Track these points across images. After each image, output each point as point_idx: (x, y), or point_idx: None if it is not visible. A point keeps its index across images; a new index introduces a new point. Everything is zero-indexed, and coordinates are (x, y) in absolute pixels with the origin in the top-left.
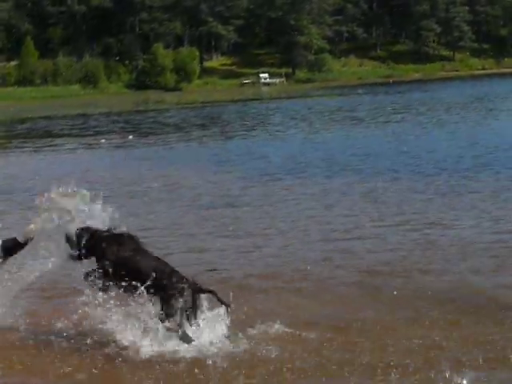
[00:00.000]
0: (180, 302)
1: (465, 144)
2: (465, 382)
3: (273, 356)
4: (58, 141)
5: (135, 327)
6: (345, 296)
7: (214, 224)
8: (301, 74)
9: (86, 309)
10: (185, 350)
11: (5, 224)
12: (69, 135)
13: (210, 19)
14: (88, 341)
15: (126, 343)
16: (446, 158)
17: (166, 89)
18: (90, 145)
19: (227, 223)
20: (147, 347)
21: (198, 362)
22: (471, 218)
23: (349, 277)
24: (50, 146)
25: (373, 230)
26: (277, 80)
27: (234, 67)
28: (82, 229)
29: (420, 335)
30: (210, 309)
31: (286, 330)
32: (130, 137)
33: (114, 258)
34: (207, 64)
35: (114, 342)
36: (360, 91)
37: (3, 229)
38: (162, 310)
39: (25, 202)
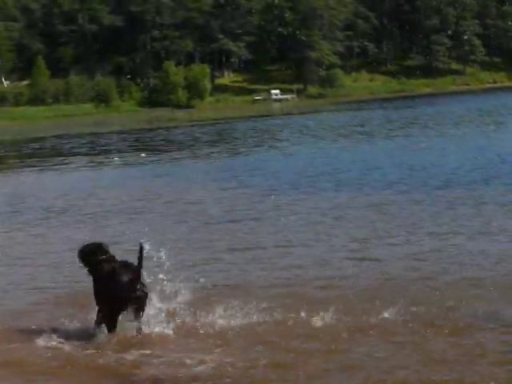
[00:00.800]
0: None
1: (472, 156)
2: None
3: None
4: (71, 159)
5: None
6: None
7: (227, 238)
8: (312, 89)
9: None
10: None
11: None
12: (81, 154)
13: (221, 36)
14: None
15: None
16: (454, 170)
17: (178, 106)
18: (102, 163)
19: (238, 237)
20: None
21: None
22: (471, 230)
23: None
24: (63, 164)
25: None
26: (288, 96)
27: (245, 84)
28: None
29: None
30: None
31: None
32: (143, 155)
33: None
34: (219, 81)
35: None
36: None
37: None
38: None
39: (31, 220)
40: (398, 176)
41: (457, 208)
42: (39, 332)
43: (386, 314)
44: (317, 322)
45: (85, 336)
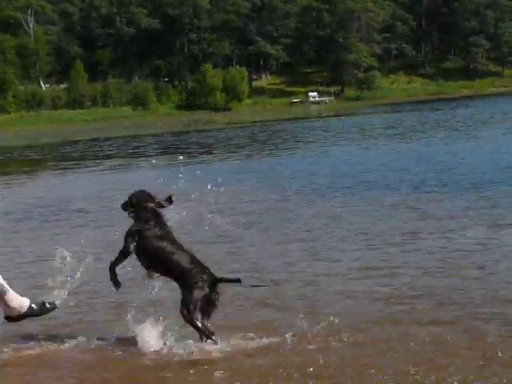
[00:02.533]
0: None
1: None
2: None
3: None
4: (108, 162)
5: None
6: None
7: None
8: (350, 91)
9: None
10: None
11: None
12: (120, 157)
13: (259, 39)
14: None
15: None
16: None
17: (216, 109)
18: (140, 166)
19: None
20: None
21: None
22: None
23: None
24: (101, 166)
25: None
26: (326, 98)
27: (282, 86)
28: None
29: None
30: None
31: None
32: (181, 157)
33: None
34: (256, 83)
35: None
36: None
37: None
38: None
39: (73, 219)
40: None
41: None
42: None
43: None
44: None
45: None
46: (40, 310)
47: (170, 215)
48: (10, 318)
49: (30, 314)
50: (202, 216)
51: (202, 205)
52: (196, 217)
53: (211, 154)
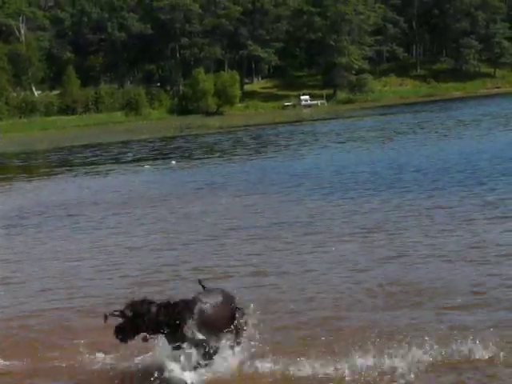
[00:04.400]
0: None
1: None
2: None
3: None
4: (101, 168)
5: None
6: None
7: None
8: (342, 94)
9: None
10: None
11: None
12: (113, 162)
13: (250, 43)
14: None
15: None
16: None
17: (208, 113)
18: (133, 171)
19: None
20: None
21: None
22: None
23: None
24: (95, 172)
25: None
26: (318, 102)
27: (274, 90)
28: None
29: None
30: None
31: None
32: (173, 162)
33: None
34: (248, 87)
35: None
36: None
37: None
38: None
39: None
40: None
41: None
42: None
43: None
44: None
45: None
46: None
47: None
48: None
49: None
50: None
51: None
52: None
53: (202, 158)
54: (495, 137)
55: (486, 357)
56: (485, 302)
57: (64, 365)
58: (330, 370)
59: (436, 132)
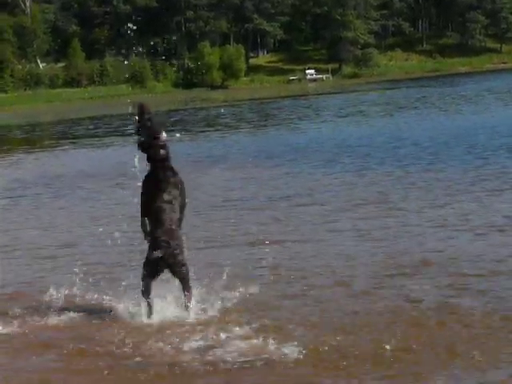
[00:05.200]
0: None
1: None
2: None
3: None
4: (106, 140)
5: None
6: None
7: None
8: (347, 69)
9: None
10: None
11: None
12: (117, 135)
13: (256, 16)
14: None
15: None
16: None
17: (213, 87)
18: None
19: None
20: None
21: None
22: None
23: None
24: (100, 144)
25: None
26: (323, 76)
27: (280, 64)
28: None
29: None
30: None
31: None
32: (178, 135)
33: None
34: (253, 61)
35: None
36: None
37: None
38: None
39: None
40: None
41: None
42: None
43: None
44: None
45: None
46: None
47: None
48: None
49: None
50: None
51: None
52: None
53: (206, 131)
54: (496, 112)
55: None
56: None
57: None
58: None
59: (437, 107)
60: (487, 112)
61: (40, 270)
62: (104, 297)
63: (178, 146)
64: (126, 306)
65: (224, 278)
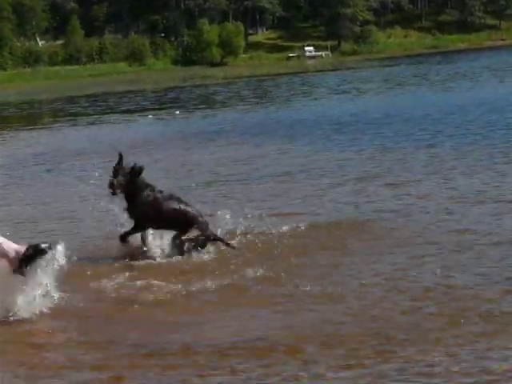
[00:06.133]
0: None
1: None
2: None
3: None
4: (105, 117)
5: None
6: None
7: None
8: (346, 46)
9: None
10: None
11: None
12: (116, 112)
13: None
14: None
15: None
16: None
17: (212, 64)
18: (137, 121)
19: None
20: None
21: None
22: None
23: None
24: (99, 122)
25: None
26: (322, 53)
27: (279, 41)
28: None
29: None
30: None
31: None
32: (177, 112)
33: None
34: (252, 38)
35: None
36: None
37: None
38: None
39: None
40: None
41: None
42: None
43: None
44: None
45: None
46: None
47: None
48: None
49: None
50: None
51: None
52: None
53: (206, 108)
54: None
55: None
56: None
57: None
58: None
59: (433, 83)
60: (482, 88)
61: None
62: None
63: (178, 123)
64: None
65: None
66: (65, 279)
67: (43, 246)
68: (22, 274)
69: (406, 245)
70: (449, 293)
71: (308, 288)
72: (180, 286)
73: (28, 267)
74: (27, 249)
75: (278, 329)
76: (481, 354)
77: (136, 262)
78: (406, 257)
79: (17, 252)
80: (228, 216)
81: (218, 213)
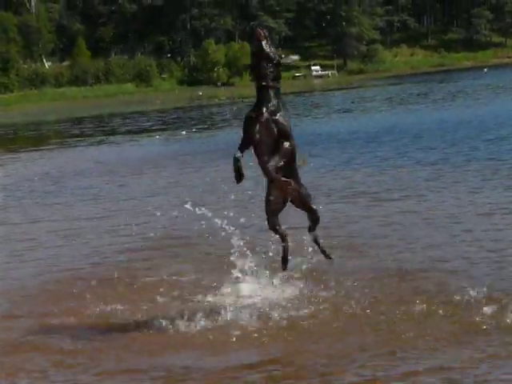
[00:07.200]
0: None
1: None
2: None
3: None
4: (112, 138)
5: None
6: None
7: None
8: (352, 65)
9: None
10: None
11: None
12: (123, 132)
13: (261, 13)
14: None
15: None
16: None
17: (218, 84)
18: (143, 141)
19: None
20: None
21: None
22: None
23: None
24: (106, 142)
25: None
26: (328, 72)
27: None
28: None
29: None
30: None
31: None
32: (183, 132)
33: None
34: None
35: None
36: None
37: None
38: None
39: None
40: None
41: None
42: None
43: None
44: None
45: None
46: None
47: None
48: None
49: None
50: None
51: None
52: None
53: (213, 129)
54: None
55: None
56: None
57: None
58: None
59: (434, 102)
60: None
61: None
62: None
63: (184, 143)
64: None
65: None
66: None
67: None
68: None
69: None
70: None
71: None
72: None
73: None
74: None
75: None
76: None
77: None
78: None
79: None
80: None
81: None
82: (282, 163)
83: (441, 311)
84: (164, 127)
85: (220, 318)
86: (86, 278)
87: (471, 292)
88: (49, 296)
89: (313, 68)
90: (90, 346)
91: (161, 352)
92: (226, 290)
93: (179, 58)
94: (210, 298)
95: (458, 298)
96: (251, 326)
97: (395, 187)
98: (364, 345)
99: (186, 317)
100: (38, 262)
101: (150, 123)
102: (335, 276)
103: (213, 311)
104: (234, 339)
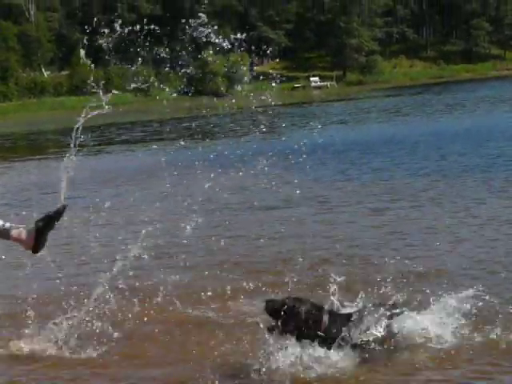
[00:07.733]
0: None
1: None
2: None
3: None
4: (109, 148)
5: None
6: None
7: None
8: (352, 76)
9: None
10: None
11: None
12: (120, 142)
13: (260, 24)
14: None
15: None
16: None
17: (218, 94)
18: (140, 151)
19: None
20: None
21: None
22: None
23: None
24: (105, 152)
25: None
26: (327, 83)
27: (284, 71)
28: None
29: None
30: None
31: None
32: (182, 142)
33: None
34: (258, 69)
35: None
36: None
37: None
38: None
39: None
40: None
41: None
42: None
43: None
44: None
45: None
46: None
47: None
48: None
49: (39, 227)
50: None
51: None
52: None
53: (211, 139)
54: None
55: None
56: None
57: None
58: None
59: (429, 114)
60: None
61: None
62: None
63: (181, 153)
64: None
65: None
66: None
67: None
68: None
69: None
70: None
71: None
72: None
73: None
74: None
75: None
76: None
77: None
78: None
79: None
80: None
81: None
82: None
83: None
84: (161, 137)
85: None
86: None
87: None
88: None
89: (312, 79)
90: None
91: None
92: None
93: (178, 68)
94: None
95: None
96: None
97: (391, 197)
98: None
99: None
100: None
101: (146, 133)
102: None
103: None
104: None
